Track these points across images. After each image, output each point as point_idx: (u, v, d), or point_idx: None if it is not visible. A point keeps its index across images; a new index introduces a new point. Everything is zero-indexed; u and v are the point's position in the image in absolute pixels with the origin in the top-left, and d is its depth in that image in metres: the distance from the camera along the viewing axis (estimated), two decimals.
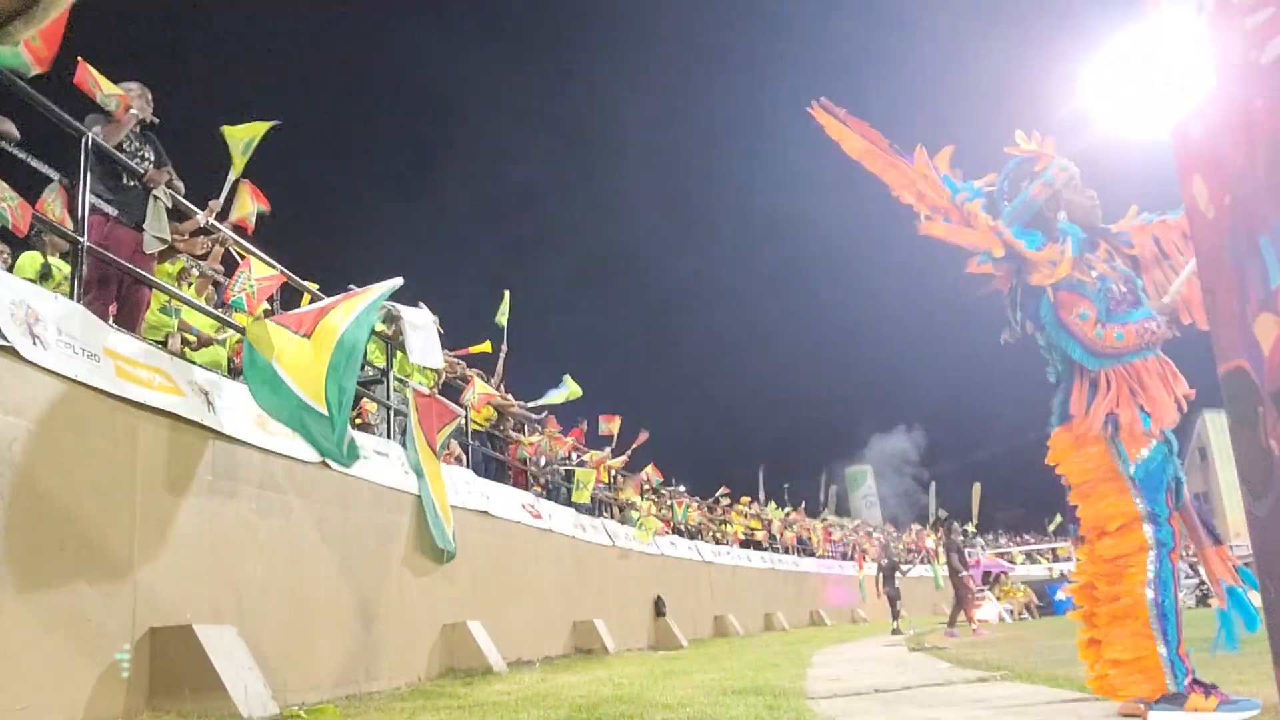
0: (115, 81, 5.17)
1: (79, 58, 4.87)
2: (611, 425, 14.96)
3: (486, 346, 11.13)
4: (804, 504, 31.95)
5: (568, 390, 12.51)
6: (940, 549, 17.28)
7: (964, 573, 14.07)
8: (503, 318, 11.72)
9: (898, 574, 16.70)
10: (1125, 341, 3.14)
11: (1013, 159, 3.47)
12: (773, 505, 26.77)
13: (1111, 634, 2.99)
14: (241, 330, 6.07)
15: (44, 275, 5.51)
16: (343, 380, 4.95)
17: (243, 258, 6.05)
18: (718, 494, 20.77)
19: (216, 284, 6.75)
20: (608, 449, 14.68)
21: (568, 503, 11.97)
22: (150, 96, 5.46)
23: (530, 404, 12.00)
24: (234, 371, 6.59)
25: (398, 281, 5.72)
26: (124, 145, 5.19)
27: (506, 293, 11.86)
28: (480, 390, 10.27)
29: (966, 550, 17.17)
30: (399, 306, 7.19)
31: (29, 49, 3.87)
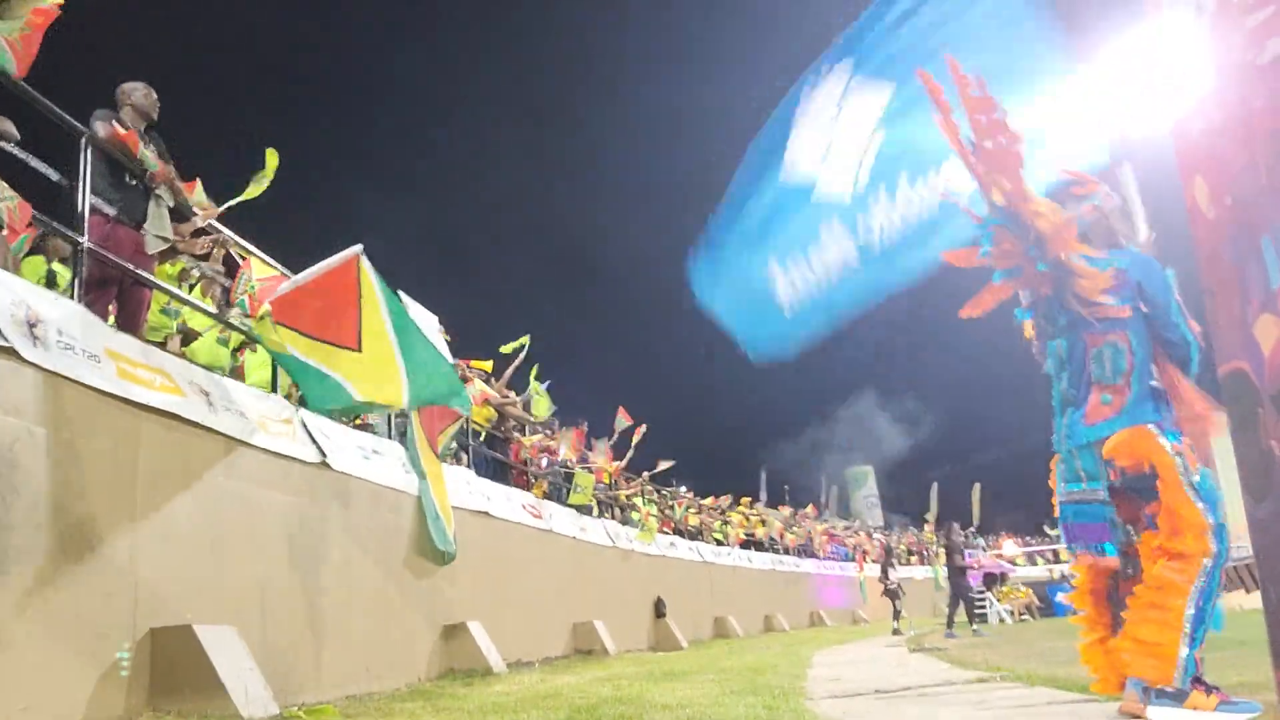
0: (118, 81, 5.18)
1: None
2: (626, 420, 15.03)
3: (488, 365, 11.13)
4: (811, 504, 31.97)
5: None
6: (940, 550, 17.27)
7: (966, 573, 14.10)
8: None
9: (894, 578, 16.67)
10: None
11: (1059, 179, 3.47)
12: (771, 513, 26.79)
13: (1143, 614, 3.07)
14: (243, 332, 6.07)
15: (49, 283, 5.48)
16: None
17: (244, 259, 6.05)
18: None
19: (224, 288, 6.75)
20: (607, 442, 14.67)
21: (568, 503, 11.96)
22: (155, 96, 5.47)
23: (507, 385, 11.44)
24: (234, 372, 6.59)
25: (358, 248, 5.43)
26: None
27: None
28: (478, 390, 10.27)
29: (969, 551, 17.18)
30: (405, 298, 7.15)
31: (9, 47, 3.84)
